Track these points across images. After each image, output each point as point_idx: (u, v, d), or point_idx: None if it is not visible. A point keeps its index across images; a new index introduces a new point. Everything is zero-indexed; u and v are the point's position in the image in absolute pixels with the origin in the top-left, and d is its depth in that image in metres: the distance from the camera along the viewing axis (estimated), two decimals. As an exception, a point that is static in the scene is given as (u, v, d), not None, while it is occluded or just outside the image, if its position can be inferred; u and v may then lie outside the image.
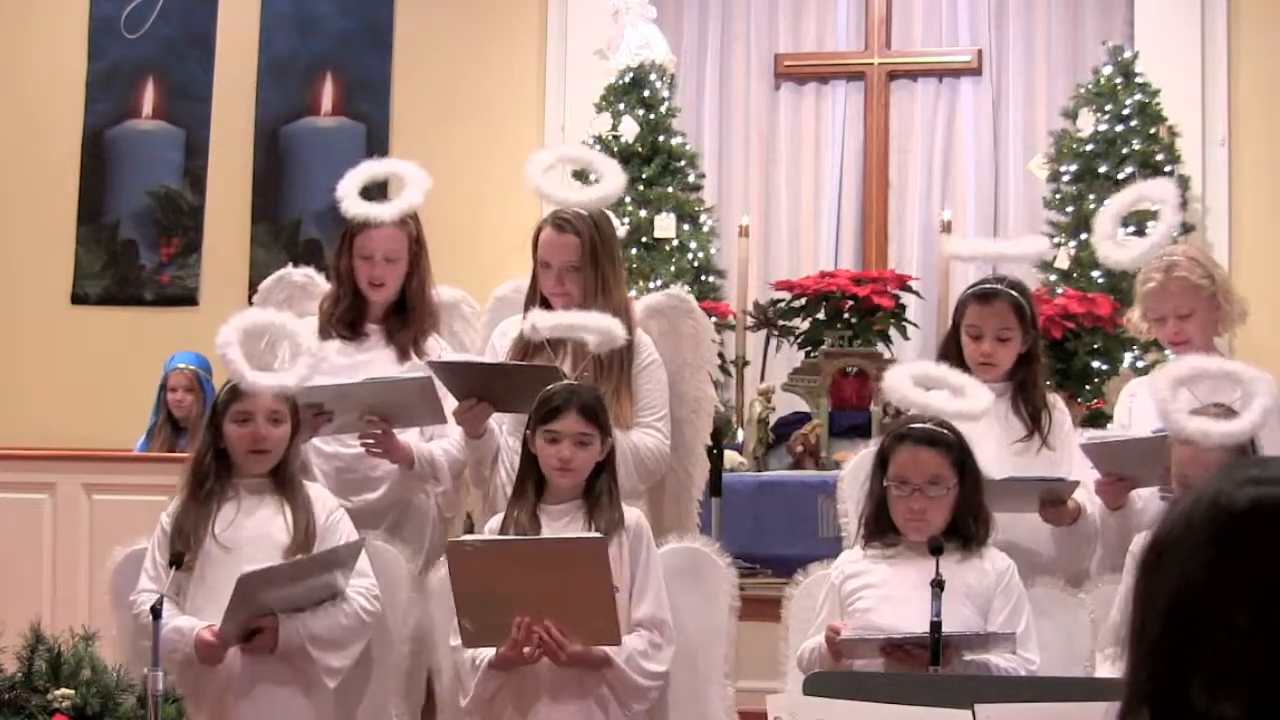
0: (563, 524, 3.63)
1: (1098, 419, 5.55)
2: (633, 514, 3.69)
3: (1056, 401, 4.03)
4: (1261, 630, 1.28)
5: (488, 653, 3.51)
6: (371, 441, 4.03)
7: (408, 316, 4.20)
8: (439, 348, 4.22)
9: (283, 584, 3.60)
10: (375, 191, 4.36)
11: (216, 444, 3.75)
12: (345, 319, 4.20)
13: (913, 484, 3.49)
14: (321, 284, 4.36)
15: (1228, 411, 3.51)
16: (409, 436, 4.11)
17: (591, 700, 3.53)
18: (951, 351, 4.00)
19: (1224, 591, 1.29)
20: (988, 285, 4.00)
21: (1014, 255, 4.44)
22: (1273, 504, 1.31)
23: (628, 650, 3.51)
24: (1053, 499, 3.79)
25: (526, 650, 3.45)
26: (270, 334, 3.95)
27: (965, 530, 3.53)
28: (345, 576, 3.72)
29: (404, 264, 4.18)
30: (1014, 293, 3.94)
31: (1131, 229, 4.38)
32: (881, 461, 3.57)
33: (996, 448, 3.80)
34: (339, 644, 3.69)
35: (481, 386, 3.92)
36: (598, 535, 3.50)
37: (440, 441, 4.15)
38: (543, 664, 3.49)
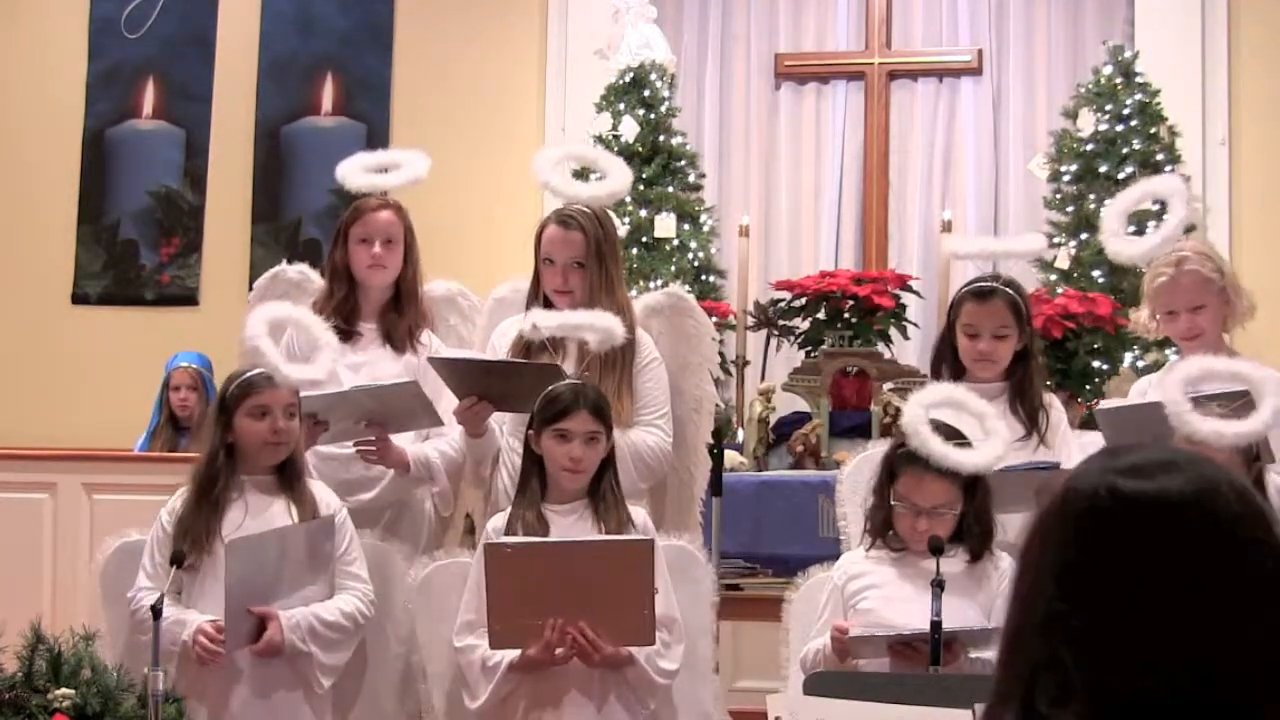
0: (570, 523, 3.63)
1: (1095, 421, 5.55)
2: (639, 514, 3.69)
3: (1053, 401, 4.03)
4: (1097, 635, 1.23)
5: (504, 653, 3.50)
6: (367, 448, 4.03)
7: (402, 309, 4.21)
8: (432, 343, 4.22)
9: (272, 555, 3.61)
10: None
11: (226, 441, 3.74)
12: (340, 312, 4.19)
13: (919, 508, 3.49)
14: (316, 280, 4.36)
15: (1237, 411, 3.51)
16: (404, 440, 4.10)
17: (611, 699, 3.52)
18: (946, 351, 3.99)
19: (1063, 593, 1.25)
20: (984, 284, 3.99)
21: (1011, 252, 4.44)
22: (1126, 496, 1.26)
23: (646, 649, 3.51)
24: (1047, 490, 3.78)
25: (560, 651, 3.45)
26: (298, 332, 3.96)
27: (971, 543, 3.53)
28: (328, 575, 3.73)
29: (401, 249, 4.20)
30: (1010, 291, 3.93)
31: (1132, 229, 4.37)
32: (889, 469, 3.56)
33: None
34: (337, 644, 3.70)
35: (481, 385, 3.92)
36: (646, 538, 3.50)
37: (436, 442, 4.15)
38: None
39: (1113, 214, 4.28)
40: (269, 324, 3.85)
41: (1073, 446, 3.92)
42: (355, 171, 4.26)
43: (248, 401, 3.71)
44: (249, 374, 3.75)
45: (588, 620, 3.42)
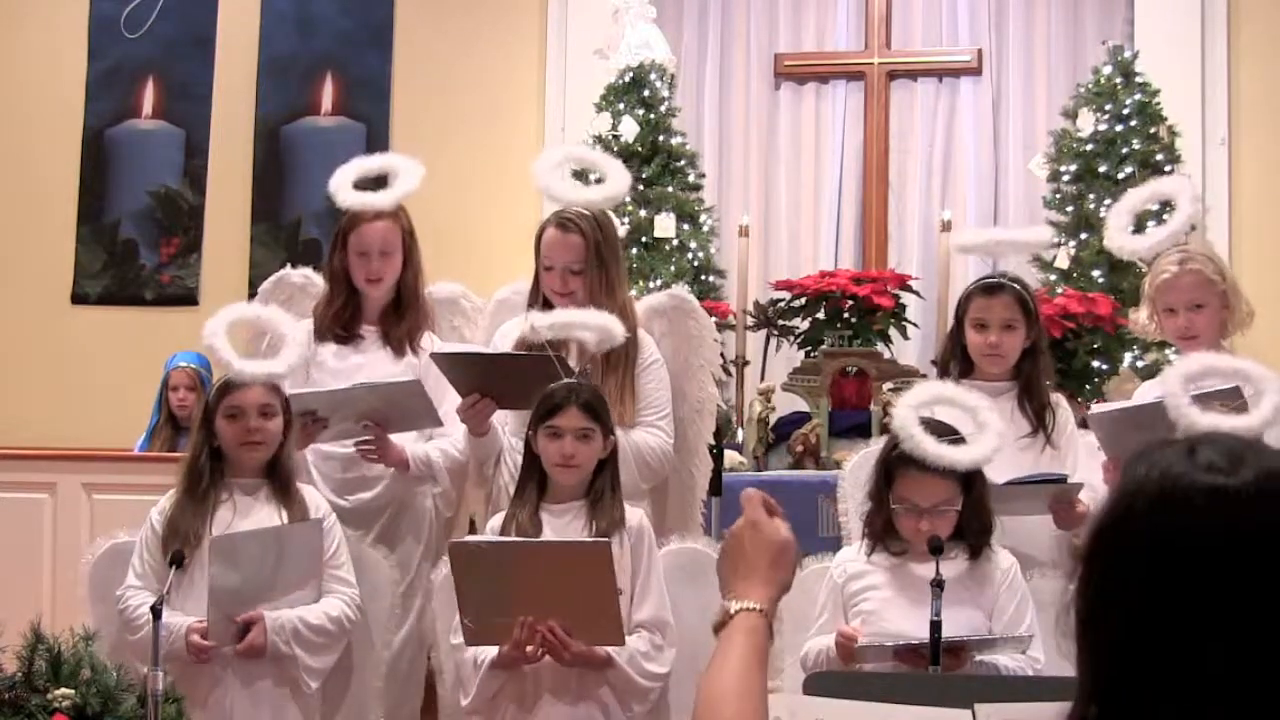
0: (565, 523, 3.63)
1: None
2: (635, 514, 3.69)
3: (1060, 401, 4.04)
4: (1239, 639, 1.22)
5: (490, 652, 3.52)
6: (367, 447, 4.04)
7: (403, 312, 4.21)
8: (433, 346, 4.22)
9: (255, 554, 3.62)
10: (371, 187, 4.36)
11: (210, 443, 3.76)
12: (341, 318, 4.20)
13: (920, 508, 3.48)
14: (319, 283, 4.36)
15: (1237, 409, 3.51)
16: (406, 439, 4.11)
17: (592, 700, 3.53)
18: (955, 349, 4.00)
19: (1192, 595, 1.24)
20: (992, 278, 4.05)
21: (1018, 242, 4.44)
22: (1249, 491, 1.25)
23: (630, 651, 3.51)
24: (1061, 500, 3.79)
25: (530, 649, 3.45)
26: (270, 334, 3.96)
27: (970, 539, 3.53)
28: (316, 578, 3.72)
29: (399, 257, 4.19)
30: (1017, 286, 3.97)
31: (1131, 231, 4.37)
32: (885, 472, 3.55)
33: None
34: (322, 648, 3.71)
35: (484, 381, 3.92)
36: (601, 539, 3.50)
37: (438, 441, 4.15)
38: (544, 664, 3.49)
39: (1120, 211, 4.29)
40: (230, 324, 3.87)
41: (1079, 447, 3.93)
42: (345, 187, 4.24)
43: (223, 403, 3.74)
44: (227, 376, 3.78)
45: (558, 619, 3.44)
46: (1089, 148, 6.42)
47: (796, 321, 6.44)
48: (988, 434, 3.54)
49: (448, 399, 4.00)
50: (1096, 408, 4.05)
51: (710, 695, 1.74)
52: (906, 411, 3.53)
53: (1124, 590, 1.27)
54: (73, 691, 3.06)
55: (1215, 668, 1.23)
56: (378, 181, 4.30)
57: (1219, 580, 1.23)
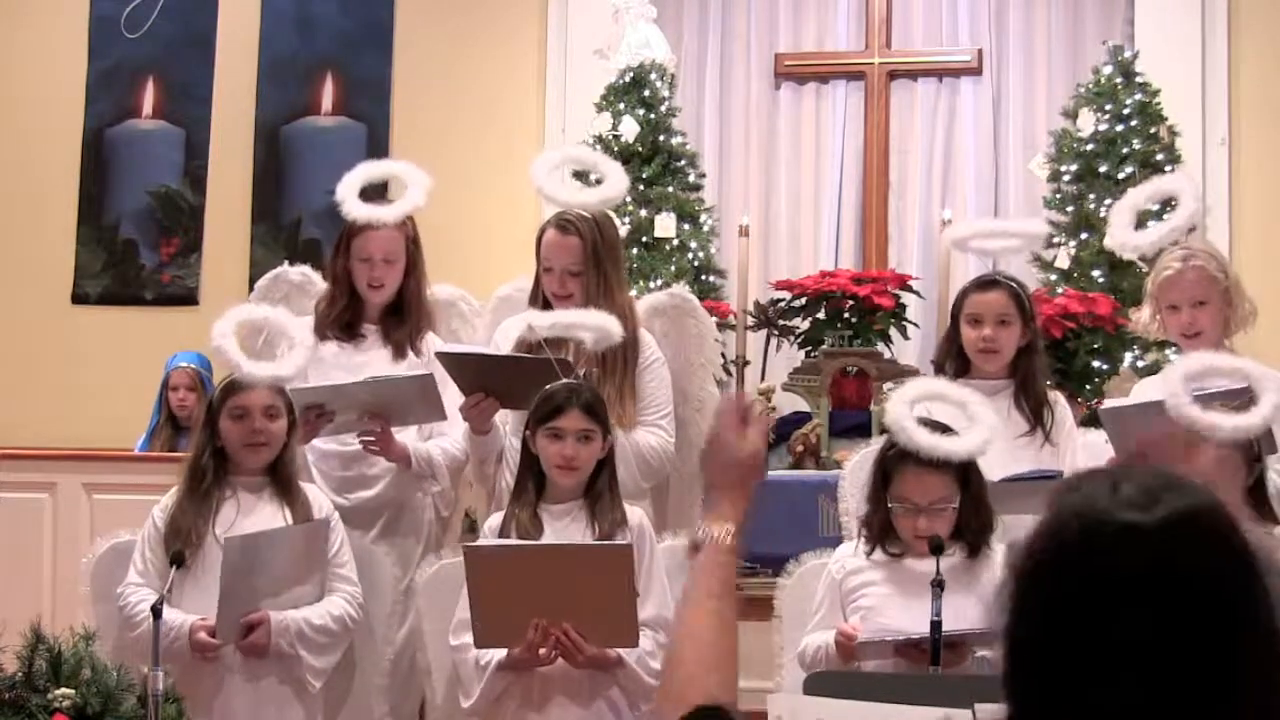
0: (564, 524, 3.63)
1: (1099, 419, 5.55)
2: (635, 514, 3.69)
3: (1058, 399, 4.05)
4: (1149, 668, 1.28)
5: (494, 653, 3.51)
6: (370, 440, 4.04)
7: (404, 316, 4.22)
8: (436, 345, 4.22)
9: (267, 555, 3.62)
10: (374, 192, 4.37)
11: (214, 442, 3.76)
12: (341, 320, 4.20)
13: (918, 506, 3.48)
14: (318, 282, 4.37)
15: (1238, 409, 3.51)
16: (407, 436, 4.11)
17: (600, 700, 3.53)
18: (951, 348, 4.01)
19: (1104, 626, 1.30)
20: (987, 276, 4.07)
21: (1013, 232, 4.45)
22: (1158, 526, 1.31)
23: (637, 651, 3.51)
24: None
25: (543, 651, 3.45)
26: (268, 330, 3.97)
27: (969, 538, 3.52)
28: (320, 577, 3.72)
29: (402, 264, 4.20)
30: (1013, 284, 3.99)
31: (1134, 229, 4.38)
32: (882, 472, 3.55)
33: (1000, 443, 3.80)
34: (325, 648, 3.71)
35: (487, 380, 3.93)
36: (624, 543, 3.50)
37: (439, 440, 4.16)
38: (554, 665, 3.49)
39: (1122, 209, 4.30)
40: (238, 324, 3.87)
41: (1077, 445, 3.93)
42: (352, 197, 4.23)
43: (228, 403, 3.75)
44: (232, 377, 3.78)
45: (571, 621, 3.43)
46: (1089, 148, 6.42)
47: (796, 321, 6.44)
48: (980, 426, 3.54)
49: (448, 394, 4.00)
50: (1108, 402, 4.07)
51: (682, 632, 1.91)
52: (899, 406, 3.54)
53: (1041, 614, 1.35)
54: (73, 691, 3.07)
55: (1130, 695, 1.29)
56: (383, 187, 4.30)
57: (1130, 612, 1.29)
